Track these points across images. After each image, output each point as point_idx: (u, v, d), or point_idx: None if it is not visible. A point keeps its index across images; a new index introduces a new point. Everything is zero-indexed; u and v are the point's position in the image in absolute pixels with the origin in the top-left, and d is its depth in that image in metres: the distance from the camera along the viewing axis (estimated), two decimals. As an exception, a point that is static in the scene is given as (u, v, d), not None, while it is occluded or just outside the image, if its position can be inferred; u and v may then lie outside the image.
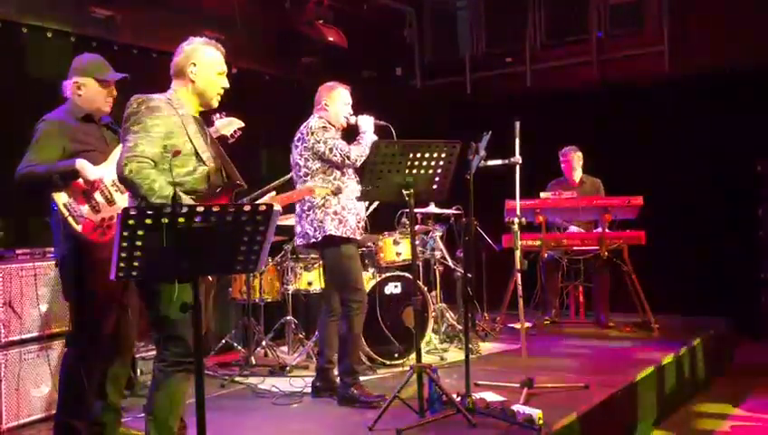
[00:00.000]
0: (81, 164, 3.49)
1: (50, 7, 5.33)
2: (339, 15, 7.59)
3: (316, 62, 7.46)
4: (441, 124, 8.36)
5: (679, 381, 5.43)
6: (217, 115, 3.93)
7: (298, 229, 4.53)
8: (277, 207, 2.65)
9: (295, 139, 4.52)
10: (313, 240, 4.42)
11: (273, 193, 3.72)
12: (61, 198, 3.48)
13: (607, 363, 5.23)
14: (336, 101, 4.54)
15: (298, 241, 4.55)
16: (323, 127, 4.42)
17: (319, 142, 4.36)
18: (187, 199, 2.98)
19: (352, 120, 4.55)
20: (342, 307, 4.47)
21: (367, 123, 4.53)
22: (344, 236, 4.38)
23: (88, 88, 3.71)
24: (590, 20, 8.27)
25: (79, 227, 3.49)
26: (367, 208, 4.91)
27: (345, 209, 4.41)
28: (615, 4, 8.23)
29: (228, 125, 3.93)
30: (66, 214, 3.48)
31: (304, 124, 4.51)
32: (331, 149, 4.34)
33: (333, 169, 4.40)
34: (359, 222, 4.50)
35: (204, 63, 3.22)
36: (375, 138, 4.42)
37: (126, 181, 2.99)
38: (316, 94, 4.62)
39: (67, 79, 3.73)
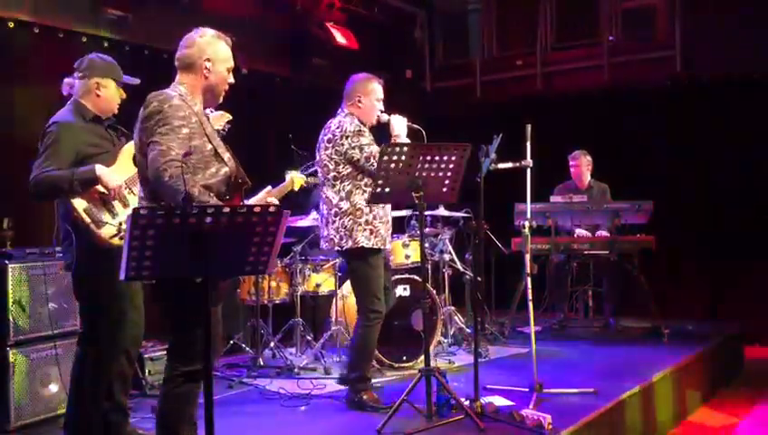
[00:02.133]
0: (102, 171, 3.46)
1: (62, 7, 5.34)
2: (349, 17, 7.60)
3: (326, 64, 7.47)
4: (451, 127, 8.32)
5: (688, 387, 5.39)
6: (209, 110, 3.81)
7: (324, 232, 4.33)
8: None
9: (324, 138, 4.28)
10: (338, 248, 4.24)
11: (270, 187, 3.68)
12: (80, 204, 3.45)
13: (616, 368, 5.19)
14: (371, 97, 4.29)
15: (323, 245, 4.35)
16: (359, 131, 4.18)
17: (354, 148, 4.14)
18: (212, 201, 2.91)
19: (384, 118, 4.30)
20: (359, 317, 4.32)
21: (400, 125, 4.26)
22: (375, 247, 4.21)
23: (108, 89, 3.67)
24: (601, 23, 8.25)
25: (101, 233, 3.46)
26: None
27: (377, 219, 4.22)
28: (626, 8, 8.20)
29: (220, 118, 3.72)
30: (88, 220, 3.44)
31: (336, 125, 4.26)
32: (367, 158, 4.12)
33: (365, 175, 4.20)
34: (388, 230, 4.32)
35: (218, 59, 3.09)
36: (408, 142, 4.18)
37: (164, 186, 2.81)
38: (347, 86, 4.35)
39: (79, 78, 3.65)
